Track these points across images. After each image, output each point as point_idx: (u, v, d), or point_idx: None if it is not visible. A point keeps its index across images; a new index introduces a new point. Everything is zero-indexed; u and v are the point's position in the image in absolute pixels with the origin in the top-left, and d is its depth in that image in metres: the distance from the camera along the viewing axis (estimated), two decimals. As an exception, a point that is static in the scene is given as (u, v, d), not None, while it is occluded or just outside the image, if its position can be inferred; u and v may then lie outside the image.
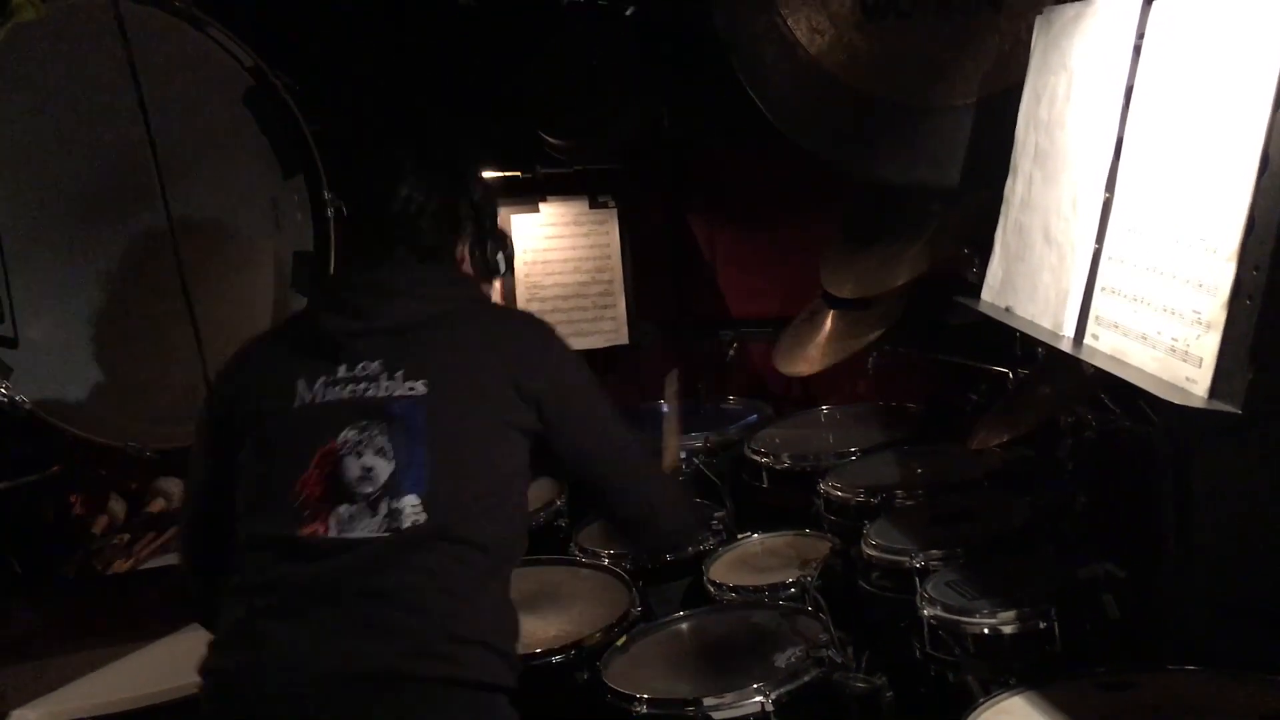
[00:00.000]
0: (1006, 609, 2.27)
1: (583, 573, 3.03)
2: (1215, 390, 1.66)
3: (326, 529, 1.80)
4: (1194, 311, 1.72)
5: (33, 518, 3.02)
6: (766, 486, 3.47)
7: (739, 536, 3.21)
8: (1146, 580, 2.37)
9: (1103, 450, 2.69)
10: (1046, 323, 2.22)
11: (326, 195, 3.17)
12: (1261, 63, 1.63)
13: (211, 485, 1.98)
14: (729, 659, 2.56)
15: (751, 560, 3.08)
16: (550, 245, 4.15)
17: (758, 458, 3.50)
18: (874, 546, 2.71)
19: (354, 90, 3.77)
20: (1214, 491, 2.34)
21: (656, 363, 4.38)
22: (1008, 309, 2.43)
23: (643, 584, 2.95)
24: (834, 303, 3.54)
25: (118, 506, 3.07)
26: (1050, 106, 2.34)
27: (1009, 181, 2.51)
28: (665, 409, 2.78)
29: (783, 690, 2.32)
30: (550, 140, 4.01)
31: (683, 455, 3.58)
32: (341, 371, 1.90)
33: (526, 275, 4.12)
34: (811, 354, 3.54)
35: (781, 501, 3.39)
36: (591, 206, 4.20)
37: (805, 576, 2.79)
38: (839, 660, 2.38)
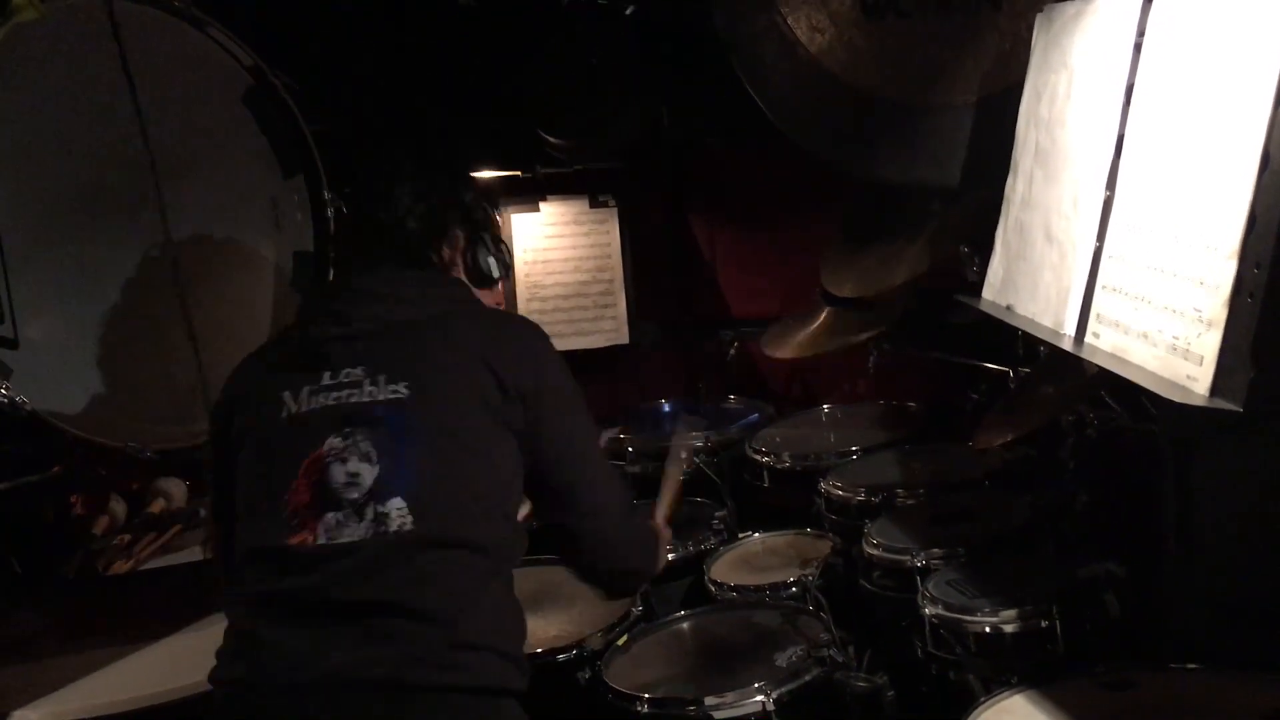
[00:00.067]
0: (1008, 608, 2.26)
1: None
2: (1216, 388, 1.65)
3: (315, 537, 1.80)
4: (1195, 309, 1.72)
5: (33, 518, 3.02)
6: (767, 486, 3.47)
7: (740, 536, 3.21)
8: (1148, 579, 2.37)
9: (1104, 449, 2.69)
10: (1047, 321, 2.21)
11: (326, 195, 3.17)
12: (1262, 60, 1.63)
13: (222, 501, 2.01)
14: (730, 658, 2.55)
15: (752, 560, 3.08)
16: (550, 244, 4.16)
17: (758, 457, 3.50)
18: (875, 545, 2.71)
19: (354, 90, 3.78)
20: (1215, 490, 2.33)
21: (657, 362, 4.39)
22: (1008, 307, 2.43)
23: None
24: (832, 302, 3.53)
25: (118, 507, 3.07)
26: (1051, 104, 2.34)
27: (1009, 180, 2.50)
28: (669, 465, 2.77)
29: (784, 689, 2.32)
30: (550, 140, 4.01)
31: (683, 454, 3.58)
32: (326, 379, 1.90)
33: (527, 275, 4.12)
34: (801, 341, 3.53)
35: (782, 501, 3.39)
36: (592, 206, 4.21)
37: (806, 576, 2.79)
38: (840, 659, 2.38)
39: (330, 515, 1.81)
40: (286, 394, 1.91)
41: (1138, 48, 2.01)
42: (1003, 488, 2.93)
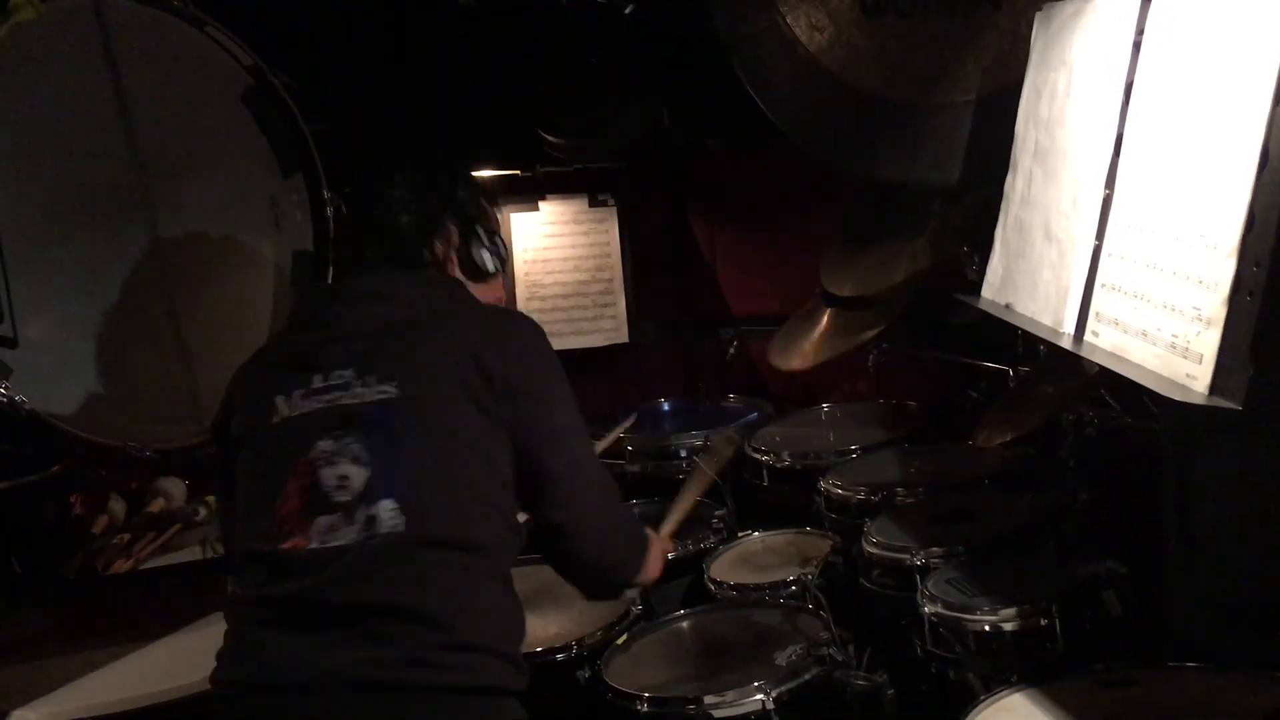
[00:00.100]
0: (1007, 606, 2.26)
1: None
2: (1215, 387, 1.65)
3: (308, 541, 1.80)
4: (1194, 308, 1.72)
5: (33, 518, 3.02)
6: (767, 485, 3.47)
7: (740, 535, 3.21)
8: (1148, 578, 2.37)
9: (1104, 448, 2.69)
10: (1047, 320, 2.21)
11: (326, 195, 3.17)
12: (1261, 58, 1.63)
13: (226, 504, 2.03)
14: (730, 657, 2.56)
15: (752, 558, 3.08)
16: (550, 244, 4.16)
17: (758, 456, 3.50)
18: (875, 544, 2.71)
19: (353, 90, 3.78)
20: (1215, 489, 2.33)
21: (656, 361, 4.39)
22: (1008, 306, 2.43)
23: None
24: (832, 301, 3.53)
25: (118, 506, 3.07)
26: (1050, 103, 2.34)
27: (1009, 178, 2.50)
28: (691, 478, 2.76)
29: (783, 688, 2.32)
30: (550, 140, 4.01)
31: (682, 453, 3.59)
32: (316, 382, 1.89)
33: (526, 274, 4.12)
34: (806, 349, 3.53)
35: (782, 500, 3.39)
36: (591, 205, 4.21)
37: (806, 574, 2.79)
38: (840, 658, 2.38)
39: (322, 519, 1.80)
40: (279, 398, 1.91)
41: (1137, 46, 2.01)
42: (1002, 486, 2.93)
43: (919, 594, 2.42)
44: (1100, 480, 2.72)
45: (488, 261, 2.12)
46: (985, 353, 3.18)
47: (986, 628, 2.28)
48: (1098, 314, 2.03)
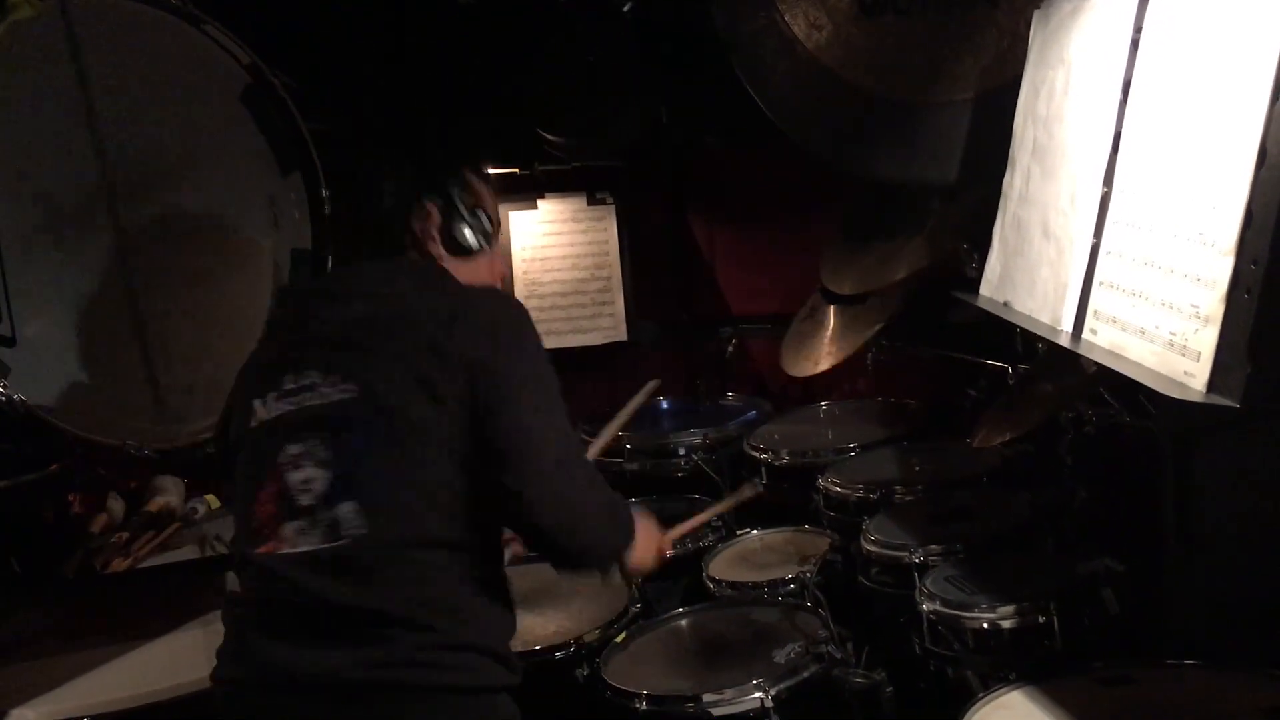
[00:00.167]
0: (1006, 604, 2.26)
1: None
2: (1214, 384, 1.66)
3: (280, 546, 1.80)
4: (1192, 306, 1.72)
5: (32, 517, 3.02)
6: (765, 483, 3.47)
7: (738, 533, 3.21)
8: (1146, 575, 2.37)
9: (1103, 446, 2.69)
10: (1045, 317, 2.21)
11: (324, 193, 3.17)
12: (1259, 55, 1.63)
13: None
14: (728, 655, 2.56)
15: (751, 556, 3.08)
16: (548, 242, 4.16)
17: (757, 454, 3.50)
18: (873, 542, 2.71)
19: (353, 89, 3.77)
20: (1214, 487, 2.33)
21: (656, 360, 4.39)
22: (1006, 304, 2.43)
23: (642, 580, 2.95)
24: (832, 298, 3.54)
25: (116, 505, 3.07)
26: (1048, 101, 2.34)
27: (1007, 176, 2.51)
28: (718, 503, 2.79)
29: (782, 686, 2.33)
30: (550, 139, 4.01)
31: (682, 451, 3.59)
32: (288, 384, 1.88)
33: (525, 272, 4.12)
34: (819, 354, 3.54)
35: (780, 498, 3.39)
36: (589, 203, 4.20)
37: (804, 572, 2.79)
38: (838, 656, 2.38)
39: (290, 524, 1.80)
40: (257, 401, 1.91)
41: (1135, 44, 2.01)
42: (1001, 485, 2.94)
43: (917, 592, 2.42)
44: (1099, 478, 2.72)
45: (470, 238, 2.05)
46: (984, 351, 3.18)
47: (985, 625, 2.28)
48: (1096, 312, 2.03)
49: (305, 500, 1.80)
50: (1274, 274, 1.60)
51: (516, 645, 2.57)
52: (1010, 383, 3.02)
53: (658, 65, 3.97)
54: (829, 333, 3.58)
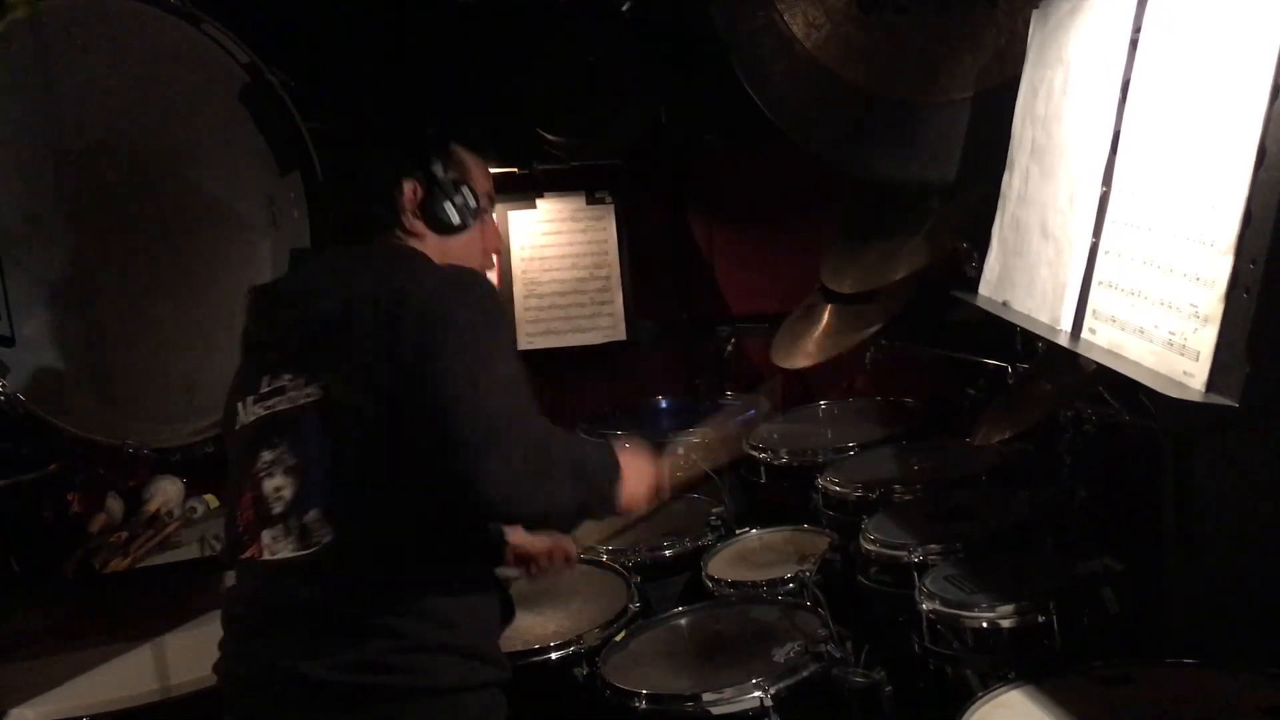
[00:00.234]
0: (1005, 603, 2.26)
1: (581, 568, 3.03)
2: (1213, 384, 1.66)
3: (260, 552, 1.81)
4: (1191, 305, 1.72)
5: (31, 516, 3.02)
6: (764, 482, 3.47)
7: (737, 532, 3.21)
8: (1145, 575, 2.37)
9: (1102, 445, 2.69)
10: (1044, 317, 2.21)
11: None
12: (1258, 55, 1.63)
13: None
14: (728, 654, 2.55)
15: (750, 556, 3.08)
16: (547, 241, 4.16)
17: (756, 453, 3.50)
18: (872, 541, 2.71)
19: (352, 89, 3.77)
20: (1213, 486, 2.33)
21: (655, 360, 4.39)
22: (1005, 303, 2.43)
23: (641, 580, 2.95)
24: (831, 297, 3.54)
25: (115, 505, 3.07)
26: (1047, 100, 2.34)
27: (1006, 176, 2.51)
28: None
29: (781, 685, 2.32)
30: (550, 138, 4.01)
31: (680, 451, 3.58)
32: (264, 386, 1.88)
33: (524, 271, 4.12)
34: (809, 348, 3.54)
35: (780, 497, 3.39)
36: (589, 202, 4.20)
37: (804, 572, 2.78)
38: (838, 655, 2.38)
39: (266, 532, 1.81)
40: (240, 404, 1.90)
41: (1134, 43, 2.01)
42: (1000, 483, 2.93)
43: (917, 591, 2.42)
44: (1098, 477, 2.72)
45: (453, 214, 1.99)
46: (983, 350, 3.18)
47: (984, 625, 2.28)
48: (1095, 311, 2.03)
49: (278, 508, 1.80)
50: (1273, 273, 1.60)
51: (516, 645, 2.61)
52: (1009, 382, 3.02)
53: (657, 65, 3.97)
54: (820, 329, 3.58)
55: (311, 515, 1.77)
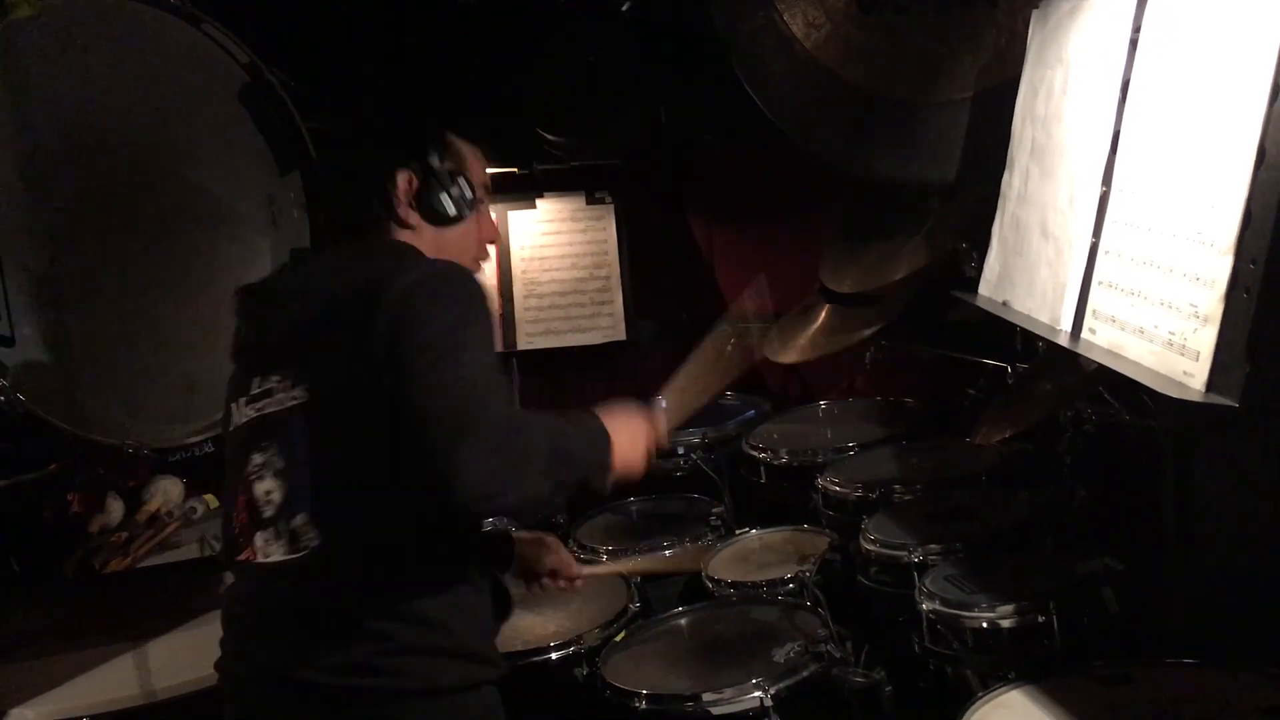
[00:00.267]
0: (1005, 603, 2.26)
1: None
2: (1212, 384, 1.65)
3: (254, 555, 1.81)
4: (1191, 305, 1.72)
5: (31, 516, 3.02)
6: (764, 482, 3.47)
7: (737, 532, 3.21)
8: (1146, 574, 2.37)
9: (1102, 445, 2.69)
10: (1044, 317, 2.21)
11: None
12: (1258, 55, 1.63)
13: None
14: (728, 654, 2.55)
15: (750, 556, 3.08)
16: (547, 241, 4.15)
17: (756, 453, 3.50)
18: (872, 541, 2.71)
19: (352, 89, 3.77)
20: (1213, 486, 2.33)
21: (655, 360, 4.39)
22: (1005, 303, 2.43)
23: (641, 580, 2.95)
24: (830, 297, 3.54)
25: (115, 505, 3.07)
26: (1047, 100, 2.34)
27: (1006, 176, 2.51)
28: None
29: (782, 685, 2.32)
30: (550, 138, 4.01)
31: (680, 450, 3.58)
32: (254, 387, 1.86)
33: (523, 271, 4.12)
34: (801, 343, 3.53)
35: (779, 497, 3.39)
36: (588, 202, 4.20)
37: (804, 572, 2.78)
38: (838, 655, 2.38)
39: (259, 535, 1.80)
40: (234, 405, 1.90)
41: (1133, 43, 2.01)
42: (1000, 483, 2.93)
43: (917, 591, 2.42)
44: (1098, 477, 2.72)
45: (449, 205, 1.95)
46: (983, 350, 3.18)
47: (984, 625, 2.27)
48: (1095, 311, 2.03)
49: (268, 512, 1.80)
50: (1273, 273, 1.60)
51: (516, 645, 2.61)
52: (1009, 382, 3.02)
53: (657, 65, 3.97)
54: (815, 327, 3.57)
55: (299, 519, 1.77)
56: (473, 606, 1.86)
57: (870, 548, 2.71)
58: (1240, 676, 1.96)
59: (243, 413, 1.87)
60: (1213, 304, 1.66)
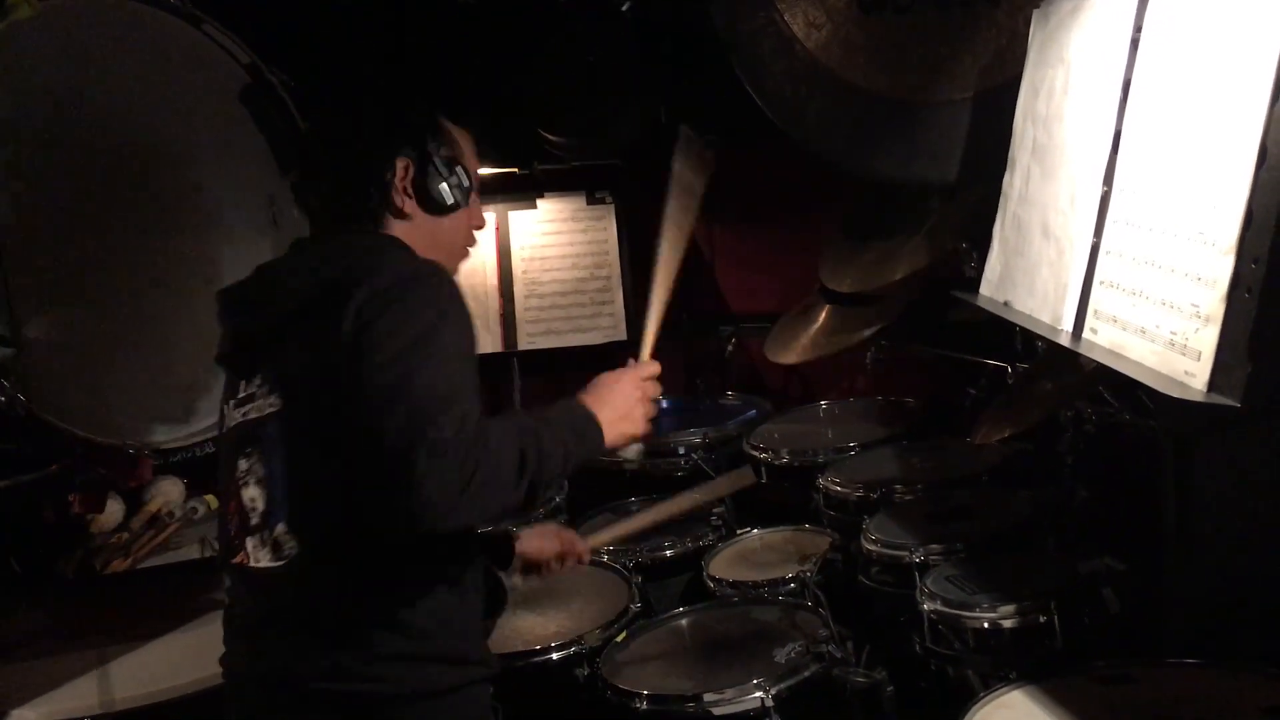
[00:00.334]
0: (1006, 603, 2.26)
1: (582, 569, 3.02)
2: (1214, 384, 1.65)
3: (247, 559, 1.81)
4: (1192, 305, 1.72)
5: (32, 517, 3.02)
6: (765, 482, 3.46)
7: (738, 532, 3.21)
8: (1146, 574, 2.37)
9: (1103, 445, 2.69)
10: (1045, 317, 2.21)
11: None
12: (1259, 55, 1.63)
13: None
14: (729, 654, 2.56)
15: (751, 556, 3.08)
16: (548, 241, 4.15)
17: (756, 453, 3.50)
18: (873, 541, 2.71)
19: (352, 89, 3.77)
20: (1214, 486, 2.33)
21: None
22: (1006, 303, 2.43)
23: (642, 580, 2.95)
24: (831, 297, 3.54)
25: (116, 506, 3.07)
26: (1048, 100, 2.34)
27: (1007, 176, 2.50)
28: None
29: (783, 685, 2.33)
30: (550, 138, 4.01)
31: (681, 450, 3.58)
32: (241, 390, 1.86)
33: (524, 271, 4.12)
34: (801, 344, 3.54)
35: (780, 497, 3.38)
36: (589, 202, 4.20)
37: (805, 572, 2.79)
38: (839, 655, 2.38)
39: (249, 540, 1.81)
40: (225, 406, 1.89)
41: (1135, 43, 2.01)
42: (1001, 483, 2.93)
43: (918, 591, 2.42)
44: (1099, 477, 2.72)
45: (448, 194, 1.91)
46: (984, 350, 3.18)
47: (985, 625, 2.27)
48: (1096, 311, 2.03)
49: (254, 519, 1.80)
50: (1274, 273, 1.60)
51: (517, 645, 2.61)
52: (1010, 381, 3.03)
53: (657, 65, 3.96)
54: (815, 328, 3.58)
55: (280, 528, 1.77)
56: (457, 610, 1.83)
57: (871, 548, 2.71)
58: (1241, 676, 1.97)
59: (231, 416, 1.87)
60: (1214, 304, 1.66)
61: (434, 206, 1.91)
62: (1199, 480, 2.34)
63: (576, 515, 3.45)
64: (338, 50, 3.73)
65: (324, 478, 1.74)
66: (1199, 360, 1.68)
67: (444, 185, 1.91)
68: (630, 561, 3.03)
